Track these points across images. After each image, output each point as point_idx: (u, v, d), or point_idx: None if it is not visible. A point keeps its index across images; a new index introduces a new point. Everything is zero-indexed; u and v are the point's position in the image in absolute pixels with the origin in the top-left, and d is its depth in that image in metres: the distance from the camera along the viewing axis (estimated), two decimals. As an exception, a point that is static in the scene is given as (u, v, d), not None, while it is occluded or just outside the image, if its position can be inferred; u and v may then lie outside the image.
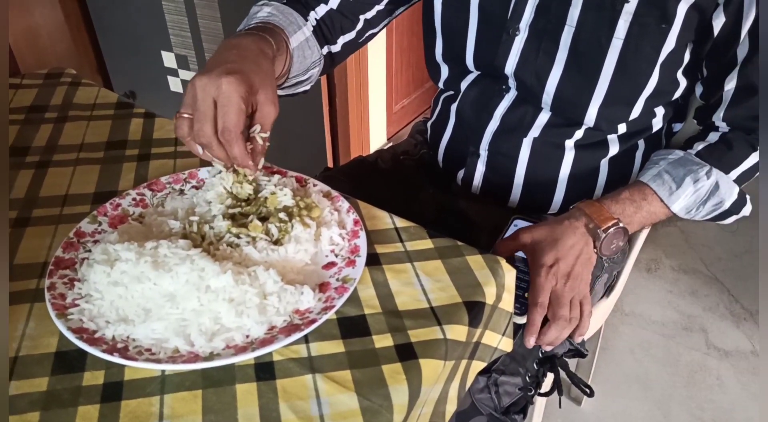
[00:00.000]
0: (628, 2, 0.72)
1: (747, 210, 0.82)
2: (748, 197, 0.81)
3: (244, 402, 0.49)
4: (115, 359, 0.50)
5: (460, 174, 0.95)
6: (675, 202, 0.78)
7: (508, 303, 0.64)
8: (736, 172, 0.78)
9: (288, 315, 0.55)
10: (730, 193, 0.78)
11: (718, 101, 0.79)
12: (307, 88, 0.89)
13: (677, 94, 0.84)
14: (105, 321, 0.54)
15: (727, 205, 0.79)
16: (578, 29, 0.76)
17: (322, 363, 0.52)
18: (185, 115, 0.60)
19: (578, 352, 0.84)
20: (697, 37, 0.77)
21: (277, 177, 0.68)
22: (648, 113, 0.84)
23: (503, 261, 0.63)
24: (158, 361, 0.50)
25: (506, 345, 0.67)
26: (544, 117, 0.85)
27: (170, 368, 0.50)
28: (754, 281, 1.78)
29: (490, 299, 0.60)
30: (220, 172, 0.67)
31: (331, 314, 0.55)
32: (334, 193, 0.70)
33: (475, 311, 0.58)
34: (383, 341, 0.54)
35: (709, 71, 0.80)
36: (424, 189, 0.99)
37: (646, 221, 0.79)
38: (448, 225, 0.93)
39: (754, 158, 0.78)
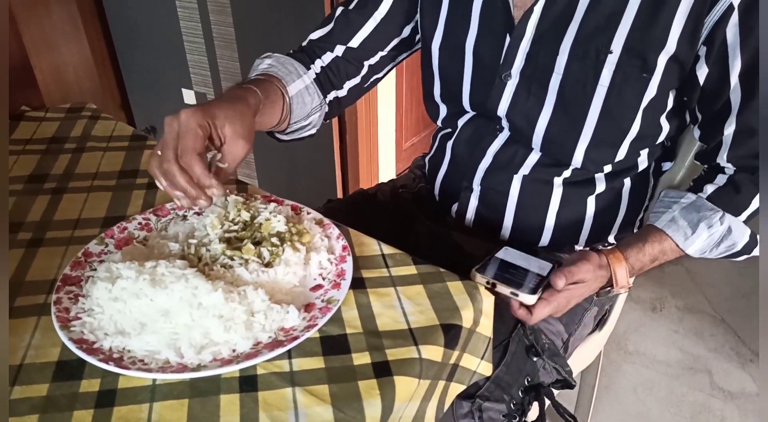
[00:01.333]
0: (611, 53, 0.77)
1: (758, 250, 0.84)
2: (759, 237, 0.83)
3: (227, 411, 0.53)
4: (110, 367, 0.54)
5: (455, 207, 0.99)
6: (690, 246, 0.81)
7: (486, 327, 0.67)
8: (745, 213, 0.81)
9: (273, 332, 0.59)
10: (742, 236, 0.81)
11: (718, 144, 0.82)
12: (313, 132, 0.96)
13: (661, 138, 0.88)
14: (104, 333, 0.58)
15: (739, 246, 0.82)
16: (565, 76, 0.81)
17: (303, 378, 0.56)
18: (158, 153, 0.65)
19: (566, 383, 0.86)
20: (681, 85, 0.81)
21: (273, 205, 0.73)
22: (633, 154, 0.88)
23: (482, 288, 0.67)
24: (149, 371, 0.54)
25: (485, 369, 0.70)
26: (534, 156, 0.90)
27: (160, 377, 0.54)
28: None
29: (467, 323, 0.64)
30: (225, 199, 0.71)
31: (313, 332, 0.59)
32: (326, 220, 0.74)
33: (451, 333, 0.62)
34: (361, 359, 0.58)
35: (703, 116, 0.83)
36: (420, 221, 1.03)
37: (657, 265, 0.84)
38: (442, 255, 0.96)
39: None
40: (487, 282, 0.71)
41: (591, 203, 0.92)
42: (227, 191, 0.72)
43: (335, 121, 1.81)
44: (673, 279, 1.94)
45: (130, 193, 0.83)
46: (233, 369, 0.55)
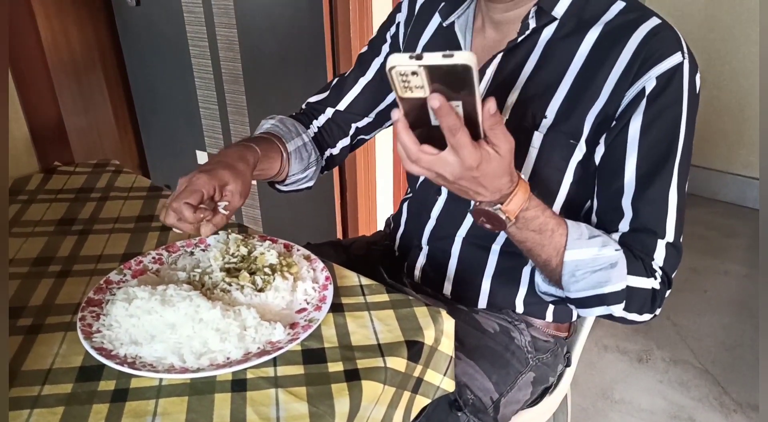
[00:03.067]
0: (545, 118, 0.85)
1: (617, 309, 0.81)
2: (623, 304, 0.81)
3: (220, 406, 0.63)
4: (125, 369, 0.65)
5: (406, 264, 1.07)
6: (573, 249, 0.78)
7: (447, 347, 0.77)
8: (630, 278, 0.80)
9: (262, 344, 0.70)
10: (618, 280, 0.79)
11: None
12: (310, 184, 1.09)
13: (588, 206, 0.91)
14: (120, 343, 0.69)
15: (607, 288, 0.79)
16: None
17: (285, 381, 0.66)
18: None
19: None
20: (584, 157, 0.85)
21: (267, 242, 0.85)
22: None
23: (443, 312, 0.77)
24: (157, 372, 0.65)
25: (448, 385, 0.79)
26: (470, 218, 0.95)
27: (165, 377, 0.65)
28: (745, 373, 1.83)
29: (429, 340, 0.74)
30: (227, 237, 0.84)
31: (295, 344, 0.69)
32: (313, 256, 0.86)
33: (415, 349, 0.72)
34: (335, 367, 0.68)
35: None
36: (379, 275, 1.03)
37: (533, 245, 0.79)
38: None
39: (641, 282, 0.81)
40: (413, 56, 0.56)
41: (525, 275, 0.95)
42: (229, 231, 0.85)
43: (336, 176, 1.95)
44: (659, 332, 2.02)
45: (146, 234, 0.96)
46: (227, 372, 0.65)
